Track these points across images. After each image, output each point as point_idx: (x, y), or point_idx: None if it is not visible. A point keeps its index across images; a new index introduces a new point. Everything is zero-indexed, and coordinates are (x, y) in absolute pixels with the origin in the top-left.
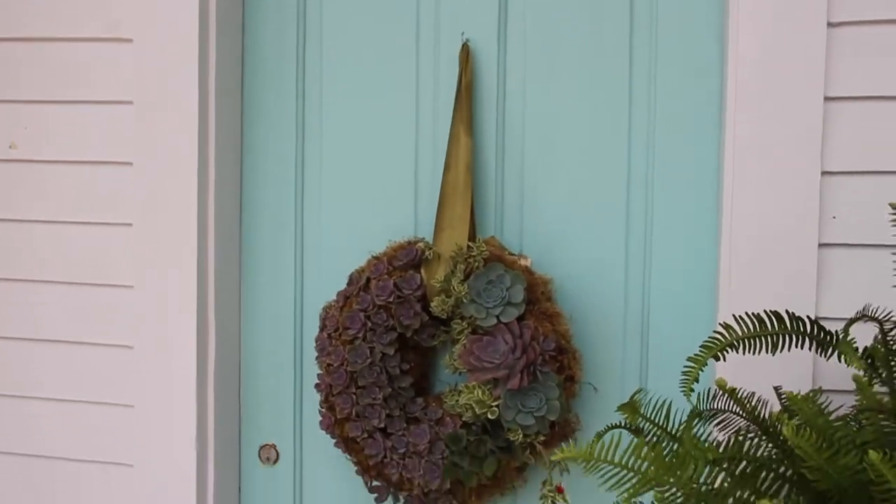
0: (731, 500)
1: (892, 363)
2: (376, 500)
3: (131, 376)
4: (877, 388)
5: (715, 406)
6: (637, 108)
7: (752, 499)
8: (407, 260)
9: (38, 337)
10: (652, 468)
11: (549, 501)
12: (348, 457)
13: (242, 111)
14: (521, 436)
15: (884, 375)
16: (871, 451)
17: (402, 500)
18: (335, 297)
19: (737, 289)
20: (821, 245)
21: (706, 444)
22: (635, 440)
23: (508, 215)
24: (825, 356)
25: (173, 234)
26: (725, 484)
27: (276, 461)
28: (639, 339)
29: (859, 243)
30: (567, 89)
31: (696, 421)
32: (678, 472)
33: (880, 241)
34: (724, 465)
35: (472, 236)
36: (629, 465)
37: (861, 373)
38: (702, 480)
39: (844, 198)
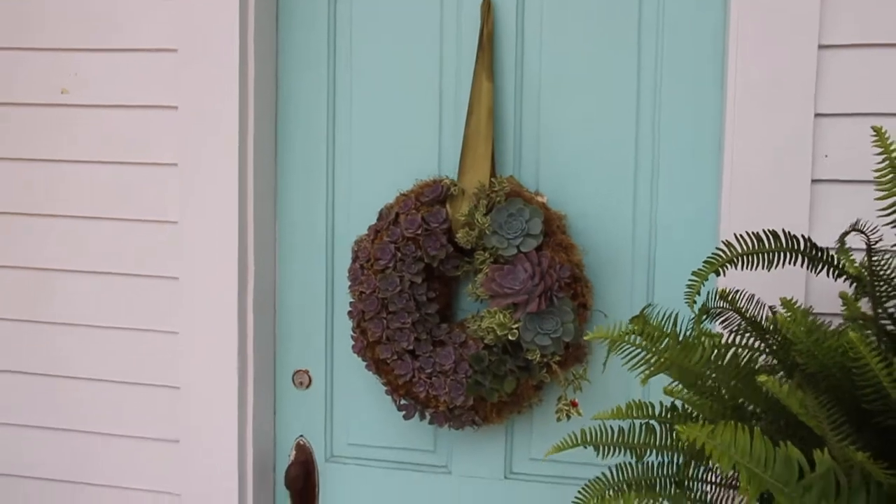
0: (733, 381)
1: (876, 269)
2: (405, 416)
3: (177, 306)
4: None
5: (720, 306)
6: (645, 54)
7: (752, 377)
8: (433, 196)
9: (89, 269)
10: (668, 351)
11: (565, 414)
12: (379, 378)
13: (277, 58)
14: (538, 355)
15: (868, 290)
16: (850, 332)
17: (427, 417)
18: (366, 232)
19: (736, 222)
20: (813, 181)
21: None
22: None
23: (526, 156)
24: (815, 272)
25: (215, 173)
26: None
27: (308, 385)
28: (645, 271)
29: (848, 179)
30: (580, 37)
31: (703, 317)
32: (689, 355)
33: (868, 177)
34: (728, 352)
35: (493, 175)
36: (650, 348)
37: (849, 286)
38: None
39: (835, 138)
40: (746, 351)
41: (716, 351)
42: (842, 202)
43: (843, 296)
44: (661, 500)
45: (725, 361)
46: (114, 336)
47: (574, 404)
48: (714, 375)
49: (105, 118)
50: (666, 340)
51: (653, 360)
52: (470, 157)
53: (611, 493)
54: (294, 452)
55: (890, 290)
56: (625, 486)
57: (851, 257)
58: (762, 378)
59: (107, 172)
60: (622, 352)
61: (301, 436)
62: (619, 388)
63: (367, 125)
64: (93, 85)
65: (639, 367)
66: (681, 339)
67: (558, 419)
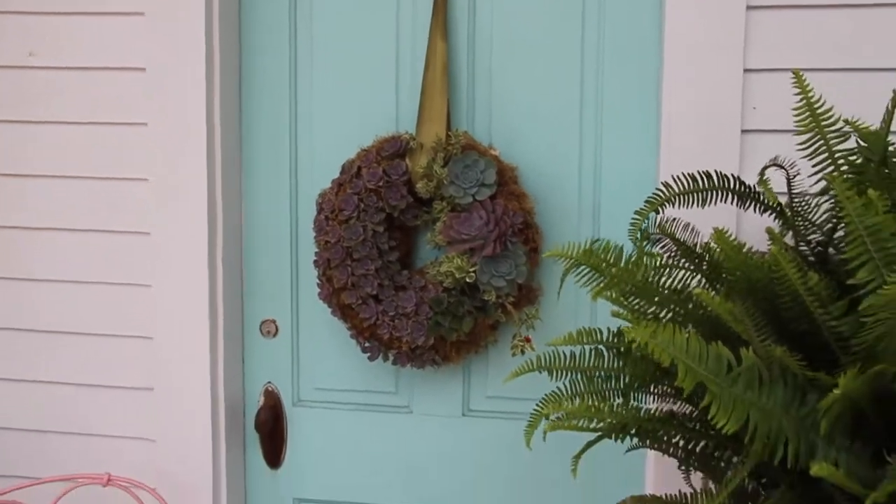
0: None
1: (796, 207)
2: (369, 358)
3: (149, 259)
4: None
5: (658, 233)
6: (589, 17)
7: (686, 291)
8: (393, 150)
9: (59, 226)
10: (614, 269)
11: (520, 349)
12: (344, 322)
13: (240, 23)
14: (494, 296)
15: (790, 224)
16: (773, 247)
17: (391, 358)
18: (330, 185)
19: (673, 171)
20: (743, 131)
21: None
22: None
23: (479, 113)
24: (744, 208)
25: (184, 132)
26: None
27: (275, 334)
28: (591, 217)
29: (774, 129)
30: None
31: (644, 242)
32: (634, 272)
33: (790, 127)
34: (665, 271)
35: (448, 130)
36: (599, 267)
37: (775, 223)
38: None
39: (762, 92)
40: (682, 271)
41: (655, 269)
42: (768, 150)
43: (769, 230)
44: (608, 405)
45: (664, 279)
46: (89, 290)
47: (528, 340)
48: (655, 291)
49: (74, 79)
50: (613, 257)
51: (603, 278)
52: (427, 113)
53: (567, 401)
54: (263, 398)
55: (809, 225)
56: (577, 397)
57: (770, 187)
58: (697, 290)
59: (75, 132)
60: (576, 272)
61: (269, 382)
62: (568, 326)
63: (328, 86)
64: (62, 48)
65: (590, 284)
66: (625, 260)
67: (513, 354)
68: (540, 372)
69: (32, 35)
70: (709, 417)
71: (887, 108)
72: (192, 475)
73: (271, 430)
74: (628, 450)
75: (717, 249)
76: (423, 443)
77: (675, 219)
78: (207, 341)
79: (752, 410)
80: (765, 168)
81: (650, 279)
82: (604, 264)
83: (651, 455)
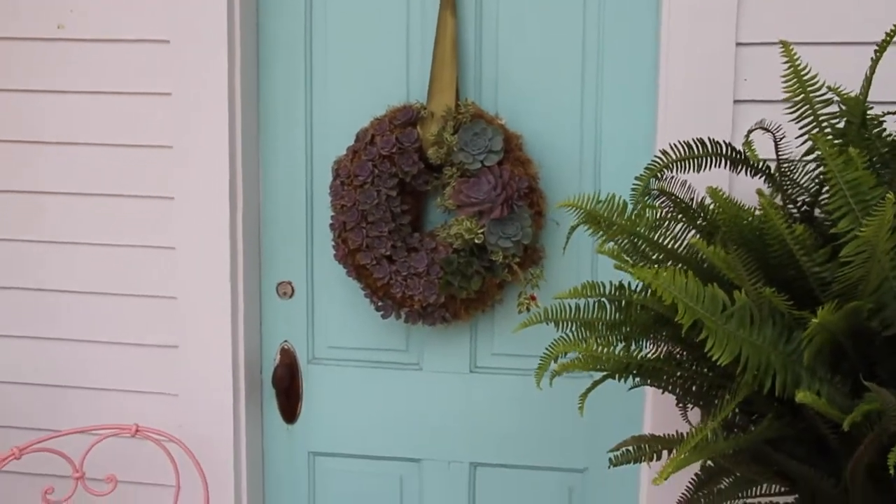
0: (672, 243)
1: (784, 170)
2: (382, 316)
3: (173, 223)
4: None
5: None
6: None
7: (684, 241)
8: (405, 119)
9: (84, 191)
10: (619, 219)
11: (525, 307)
12: (358, 282)
13: (258, 4)
14: (501, 257)
15: (777, 185)
16: (762, 199)
17: (403, 316)
18: (345, 152)
19: (671, 137)
20: (735, 101)
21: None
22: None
23: (486, 84)
24: (736, 172)
25: (207, 103)
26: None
27: (291, 295)
28: (592, 183)
29: (764, 99)
30: None
31: (645, 197)
32: (638, 221)
33: (780, 97)
34: (665, 224)
35: (457, 100)
36: (607, 218)
37: (765, 186)
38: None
39: (753, 64)
40: (680, 224)
41: (656, 221)
42: (759, 119)
43: (758, 191)
44: (612, 347)
45: (664, 230)
46: (115, 253)
47: (533, 298)
48: (656, 242)
49: (100, 50)
50: (619, 208)
51: (610, 229)
52: (437, 84)
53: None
54: (279, 356)
55: (796, 186)
56: (583, 340)
57: (754, 148)
58: (694, 241)
59: (100, 101)
60: (584, 223)
61: (285, 341)
62: (570, 284)
63: (342, 58)
64: (89, 22)
65: (597, 234)
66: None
67: (519, 311)
68: (547, 323)
69: (61, 9)
70: (705, 350)
71: (866, 74)
72: (212, 428)
73: (287, 387)
74: (631, 387)
75: (712, 206)
76: (432, 398)
77: (672, 177)
78: (229, 302)
79: (744, 345)
80: (750, 131)
81: (650, 233)
82: (613, 214)
83: (650, 402)
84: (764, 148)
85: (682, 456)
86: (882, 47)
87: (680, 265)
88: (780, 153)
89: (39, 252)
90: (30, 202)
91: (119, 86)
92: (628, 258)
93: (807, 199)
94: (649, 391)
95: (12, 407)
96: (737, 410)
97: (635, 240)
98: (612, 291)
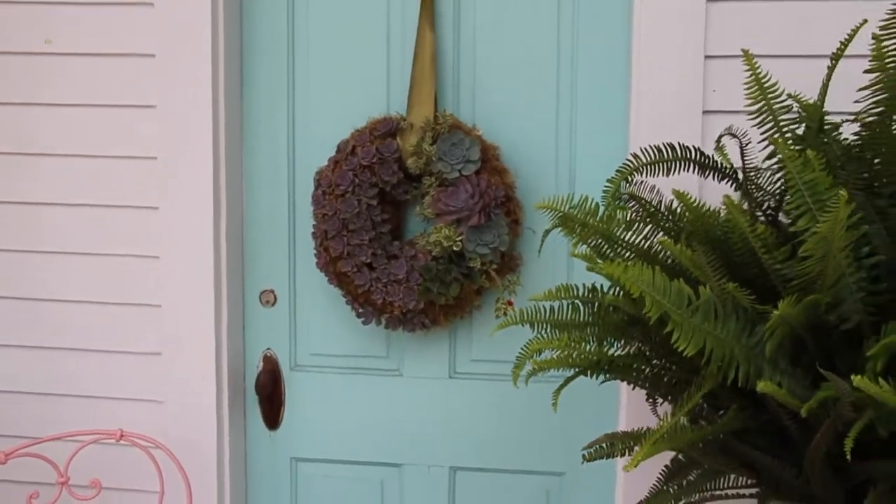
0: (642, 243)
1: (750, 175)
2: (363, 322)
3: (157, 233)
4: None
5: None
6: (564, 9)
7: (653, 239)
8: (385, 130)
9: (69, 202)
10: (591, 220)
11: (503, 311)
12: (340, 289)
13: (241, 20)
14: (479, 263)
15: (744, 189)
16: (726, 198)
17: (383, 322)
18: (326, 163)
19: (643, 146)
20: (704, 112)
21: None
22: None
23: (463, 96)
24: (704, 176)
25: (191, 115)
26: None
27: (274, 303)
28: (566, 191)
29: (732, 110)
30: None
31: (616, 201)
32: (609, 224)
33: (747, 107)
34: (634, 227)
35: (436, 111)
36: (580, 219)
37: (732, 191)
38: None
39: (721, 76)
40: (648, 226)
41: (626, 223)
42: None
43: (725, 198)
44: (585, 344)
45: (634, 231)
46: (102, 262)
47: (510, 303)
48: (627, 241)
49: (86, 64)
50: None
51: (580, 231)
52: (416, 96)
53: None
54: (262, 363)
55: (761, 192)
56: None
57: (726, 153)
58: (662, 239)
59: (87, 112)
60: (560, 223)
61: (268, 348)
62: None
63: (324, 71)
64: (77, 36)
65: (571, 235)
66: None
67: (497, 316)
68: (523, 325)
69: (48, 24)
70: (671, 342)
71: (823, 82)
72: (196, 434)
73: (270, 394)
74: (602, 382)
75: (679, 209)
76: (412, 404)
77: (642, 182)
78: (212, 310)
79: (709, 338)
80: (720, 136)
81: (622, 233)
82: (586, 216)
83: (624, 408)
84: (734, 157)
85: (652, 443)
86: (837, 56)
87: (649, 263)
88: (745, 159)
89: (26, 262)
90: (16, 213)
91: (105, 99)
92: (600, 261)
93: (772, 205)
94: (624, 398)
95: (0, 414)
96: (704, 405)
97: (605, 242)
98: (585, 294)
